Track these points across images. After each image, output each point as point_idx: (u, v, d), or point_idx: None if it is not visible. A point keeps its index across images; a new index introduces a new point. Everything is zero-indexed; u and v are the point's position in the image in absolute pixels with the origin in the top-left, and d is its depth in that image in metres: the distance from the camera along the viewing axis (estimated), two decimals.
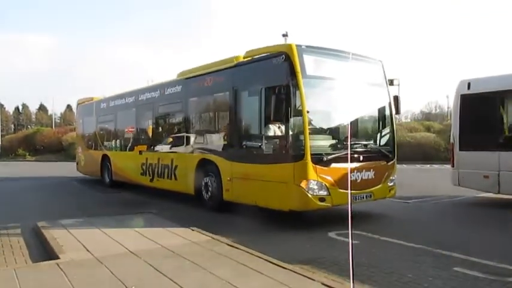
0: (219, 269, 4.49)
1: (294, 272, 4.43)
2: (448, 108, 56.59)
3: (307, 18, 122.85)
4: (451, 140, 9.99)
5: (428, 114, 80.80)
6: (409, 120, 76.23)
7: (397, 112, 8.77)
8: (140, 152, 11.99)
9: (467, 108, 9.58)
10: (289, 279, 4.23)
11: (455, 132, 9.82)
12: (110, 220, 7.44)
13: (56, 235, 6.12)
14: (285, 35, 33.05)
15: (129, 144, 12.87)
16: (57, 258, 5.03)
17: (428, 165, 23.09)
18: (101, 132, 15.01)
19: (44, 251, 5.74)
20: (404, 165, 23.39)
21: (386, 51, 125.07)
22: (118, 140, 13.70)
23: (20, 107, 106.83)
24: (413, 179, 15.97)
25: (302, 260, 5.12)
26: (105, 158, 14.27)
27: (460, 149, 9.63)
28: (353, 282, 3.55)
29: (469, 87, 9.59)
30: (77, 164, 17.33)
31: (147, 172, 11.52)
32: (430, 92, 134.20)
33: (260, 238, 6.39)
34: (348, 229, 6.80)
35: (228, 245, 5.58)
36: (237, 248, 5.40)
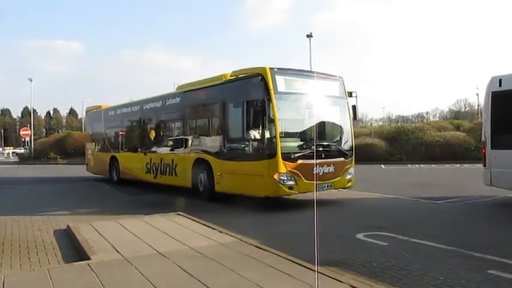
0: (247, 270, 4.49)
1: (322, 274, 4.38)
2: (478, 106, 55.19)
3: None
4: (482, 139, 9.70)
5: (457, 113, 79.11)
6: (437, 118, 74.97)
7: (355, 118, 10.87)
8: (145, 153, 13.87)
9: (499, 105, 9.28)
10: None
11: (486, 130, 9.54)
12: (138, 221, 7.54)
13: (87, 236, 6.24)
14: (309, 36, 33.05)
15: (135, 147, 14.76)
16: (89, 258, 5.13)
17: (458, 165, 22.52)
18: (109, 136, 16.84)
19: (75, 252, 5.86)
20: (433, 165, 22.98)
21: (413, 46, 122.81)
22: (125, 143, 15.59)
23: (52, 112, 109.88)
24: (442, 179, 15.66)
25: (330, 262, 5.06)
26: (113, 159, 16.06)
27: (492, 148, 9.34)
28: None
29: (500, 84, 9.29)
30: (87, 164, 19.14)
31: (151, 170, 13.39)
32: (459, 90, 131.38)
33: (284, 240, 6.37)
34: (376, 231, 6.77)
35: (255, 246, 5.57)
36: (264, 249, 5.38)
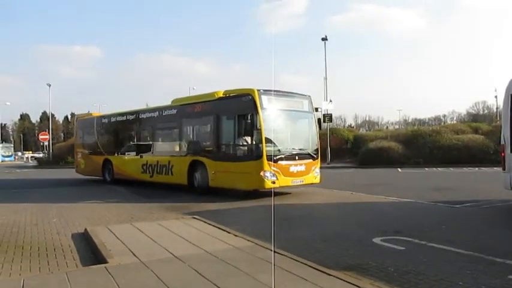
0: (263, 274, 4.47)
1: (339, 278, 4.35)
2: (497, 108, 54.34)
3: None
4: (502, 142, 9.49)
5: (475, 115, 77.99)
6: (455, 121, 73.98)
7: (320, 128, 13.52)
8: (141, 156, 15.81)
9: None
10: (333, 285, 4.16)
11: (506, 133, 9.33)
12: (154, 224, 7.60)
13: (104, 240, 6.30)
14: (324, 39, 33.00)
15: (131, 151, 16.60)
16: (106, 262, 5.18)
17: (477, 169, 22.14)
18: (103, 141, 18.54)
19: (93, 255, 5.92)
20: (451, 169, 22.64)
21: (430, 48, 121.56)
22: (120, 147, 17.30)
23: (69, 116, 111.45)
24: (460, 183, 15.42)
25: (346, 266, 5.03)
26: (106, 162, 17.84)
27: (511, 151, 9.15)
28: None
29: None
30: (76, 166, 20.81)
31: (148, 171, 15.41)
32: (477, 92, 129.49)
33: (300, 243, 6.34)
34: (393, 235, 6.70)
35: (271, 250, 5.55)
36: (280, 253, 5.36)
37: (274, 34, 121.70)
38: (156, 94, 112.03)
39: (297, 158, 11.86)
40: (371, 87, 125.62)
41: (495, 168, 16.25)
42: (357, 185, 15.20)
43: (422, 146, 26.76)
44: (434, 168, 23.26)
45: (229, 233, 6.70)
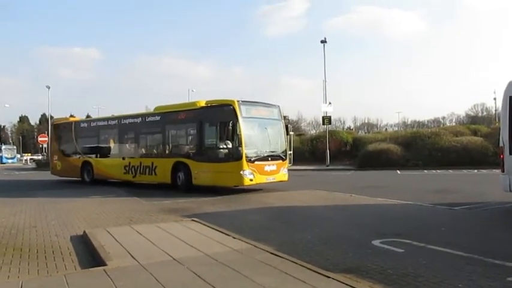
0: (262, 277, 4.47)
1: (338, 280, 4.35)
2: (495, 110, 54.46)
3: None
4: (500, 144, 9.50)
5: (474, 118, 78.10)
6: (453, 123, 74.04)
7: (287, 134, 15.05)
8: (123, 158, 17.16)
9: None
10: None
11: (504, 135, 9.34)
12: (153, 227, 7.59)
13: (103, 242, 6.28)
14: (323, 41, 33.07)
15: (113, 153, 18.10)
16: (105, 264, 5.17)
17: (476, 171, 22.16)
18: (82, 144, 19.54)
19: (91, 258, 5.91)
20: (450, 171, 22.67)
21: (429, 50, 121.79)
22: (101, 150, 18.54)
23: None
24: (460, 185, 15.42)
25: (345, 269, 5.02)
26: (85, 163, 18.95)
27: (510, 153, 9.14)
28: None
29: None
30: (52, 168, 21.70)
31: (130, 171, 16.82)
32: (476, 94, 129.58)
33: (299, 246, 6.34)
34: (392, 238, 6.69)
35: (270, 253, 5.56)
36: (279, 256, 5.36)
37: (275, 36, 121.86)
38: (156, 96, 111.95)
39: (269, 159, 13.83)
40: (370, 89, 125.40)
41: (494, 170, 16.29)
42: (356, 187, 15.21)
43: (421, 148, 26.78)
44: (434, 171, 23.27)
45: (228, 235, 6.70)
